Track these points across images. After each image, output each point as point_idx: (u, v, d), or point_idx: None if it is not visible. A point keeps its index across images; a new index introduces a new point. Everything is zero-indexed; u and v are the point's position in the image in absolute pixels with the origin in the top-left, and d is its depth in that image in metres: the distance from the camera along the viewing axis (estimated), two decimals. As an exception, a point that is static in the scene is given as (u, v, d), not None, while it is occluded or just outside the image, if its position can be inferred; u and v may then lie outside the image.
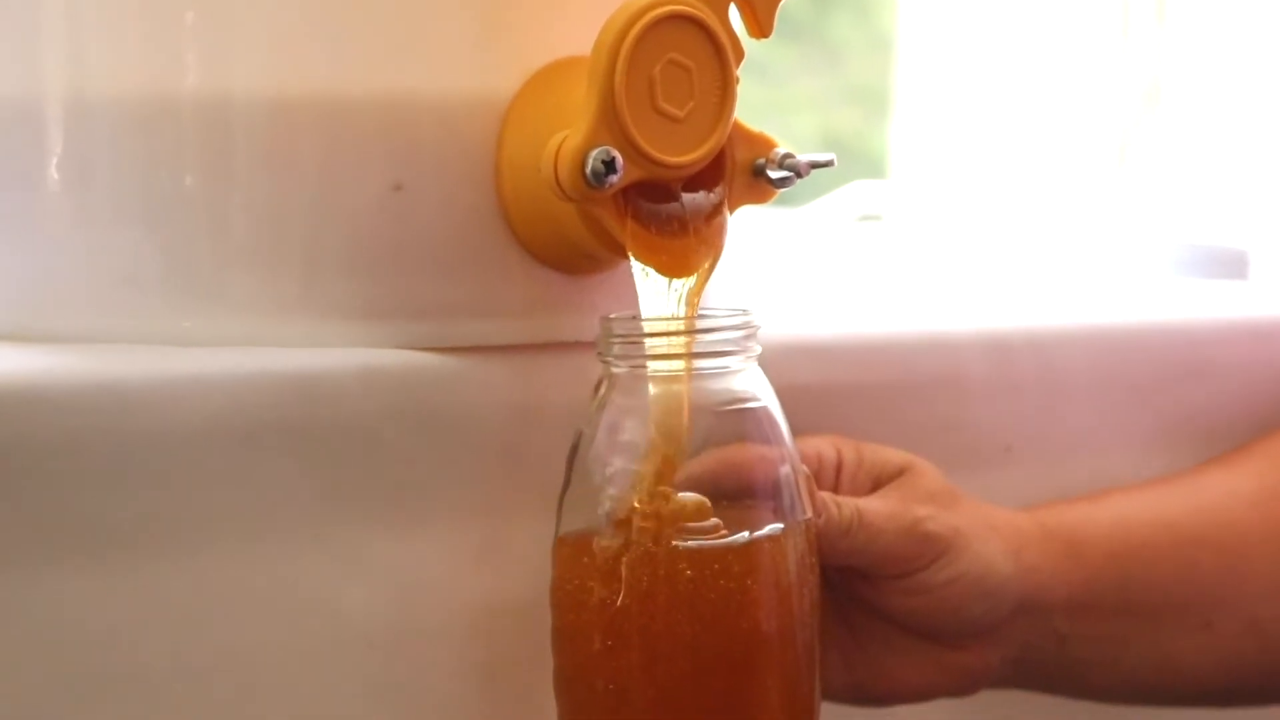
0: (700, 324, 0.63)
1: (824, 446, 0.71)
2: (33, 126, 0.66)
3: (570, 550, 0.63)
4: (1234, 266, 1.03)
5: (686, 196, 0.66)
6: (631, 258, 0.64)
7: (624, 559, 0.61)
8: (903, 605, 0.71)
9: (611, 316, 0.64)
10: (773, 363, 0.66)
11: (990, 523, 0.72)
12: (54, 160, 0.66)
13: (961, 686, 0.73)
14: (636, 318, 0.64)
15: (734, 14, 0.65)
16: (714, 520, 0.62)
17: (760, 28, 0.65)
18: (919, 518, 0.70)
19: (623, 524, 0.62)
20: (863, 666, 0.72)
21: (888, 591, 0.71)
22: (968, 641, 0.72)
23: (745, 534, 0.62)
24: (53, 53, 0.66)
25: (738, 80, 0.65)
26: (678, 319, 0.63)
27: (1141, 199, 1.66)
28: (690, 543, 0.62)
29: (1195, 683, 0.78)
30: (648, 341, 0.63)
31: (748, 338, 0.64)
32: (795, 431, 0.66)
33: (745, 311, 0.64)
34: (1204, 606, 0.78)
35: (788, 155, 0.67)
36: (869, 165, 2.21)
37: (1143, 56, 1.71)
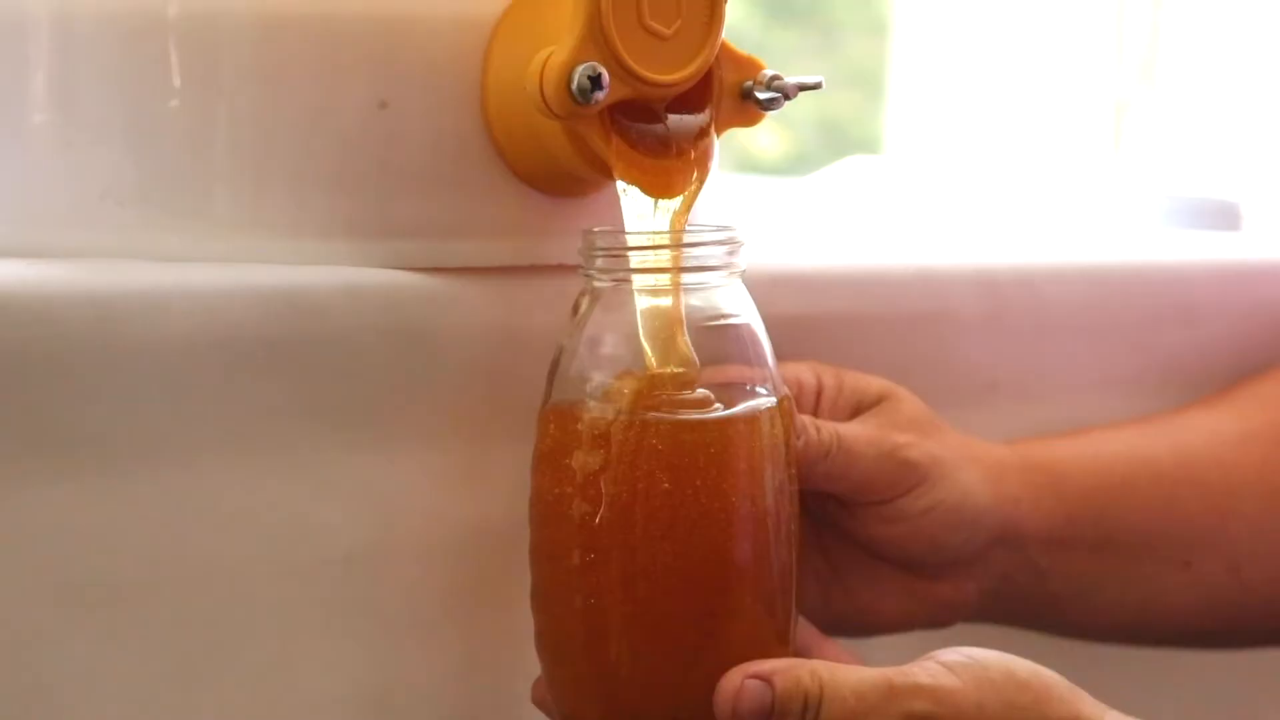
0: (684, 238, 0.63)
1: (804, 372, 0.71)
2: (17, 41, 0.66)
3: (555, 433, 0.63)
4: (1226, 218, 1.03)
5: (673, 118, 0.66)
6: (616, 178, 0.64)
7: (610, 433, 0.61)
8: (880, 533, 0.70)
9: (595, 229, 0.64)
10: (759, 292, 0.65)
11: (970, 453, 0.72)
12: (38, 75, 0.66)
13: (938, 619, 0.73)
14: (620, 231, 0.63)
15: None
16: (703, 391, 0.62)
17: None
18: (898, 444, 0.69)
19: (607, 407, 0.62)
20: (840, 598, 0.72)
21: (865, 519, 0.70)
22: (945, 572, 0.72)
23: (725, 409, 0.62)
24: (37, -33, 0.66)
25: (726, 1, 0.64)
26: (661, 232, 0.63)
27: (1135, 170, 1.65)
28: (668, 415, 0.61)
29: (1174, 623, 0.78)
30: (631, 255, 0.63)
31: (732, 253, 0.63)
32: (779, 358, 0.66)
33: (730, 227, 0.63)
34: (1183, 546, 0.77)
35: (775, 77, 0.66)
36: (865, 148, 2.21)
37: (1137, 33, 1.71)
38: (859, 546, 0.71)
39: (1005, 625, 0.76)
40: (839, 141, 2.50)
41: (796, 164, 2.42)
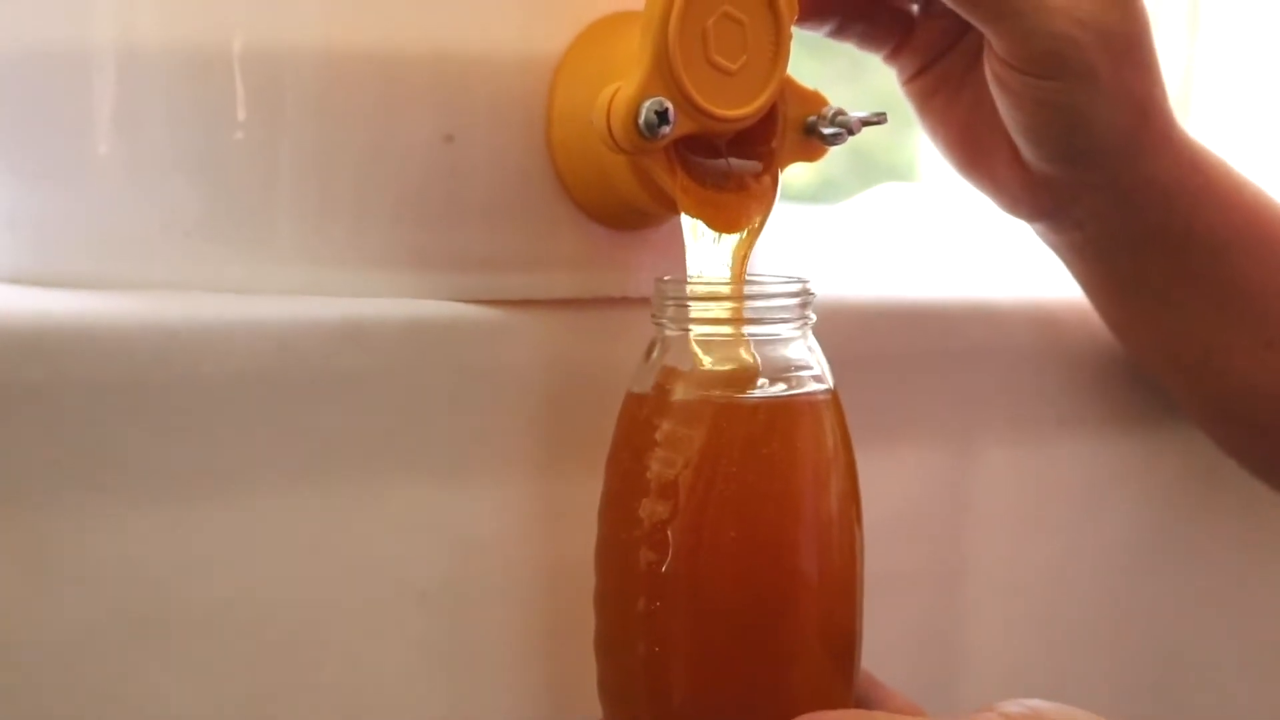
0: (757, 289, 0.63)
1: None
2: (84, 75, 0.66)
3: (623, 439, 0.63)
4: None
5: (736, 154, 0.66)
6: (681, 212, 0.64)
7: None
8: None
9: (666, 279, 0.64)
10: (819, 325, 0.65)
11: None
12: (105, 109, 0.66)
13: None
14: (692, 282, 0.63)
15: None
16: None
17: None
18: None
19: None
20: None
21: None
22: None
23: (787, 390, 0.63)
24: (104, 1, 0.66)
25: (791, 36, 0.65)
26: (734, 283, 0.63)
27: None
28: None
29: (1247, 390, 0.78)
30: (703, 305, 0.63)
31: (804, 305, 0.63)
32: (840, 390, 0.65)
33: (802, 279, 0.63)
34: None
35: (839, 112, 0.66)
36: (895, 175, 2.21)
37: (1172, 66, 1.71)
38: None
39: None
40: (867, 169, 2.49)
41: (824, 191, 2.41)
